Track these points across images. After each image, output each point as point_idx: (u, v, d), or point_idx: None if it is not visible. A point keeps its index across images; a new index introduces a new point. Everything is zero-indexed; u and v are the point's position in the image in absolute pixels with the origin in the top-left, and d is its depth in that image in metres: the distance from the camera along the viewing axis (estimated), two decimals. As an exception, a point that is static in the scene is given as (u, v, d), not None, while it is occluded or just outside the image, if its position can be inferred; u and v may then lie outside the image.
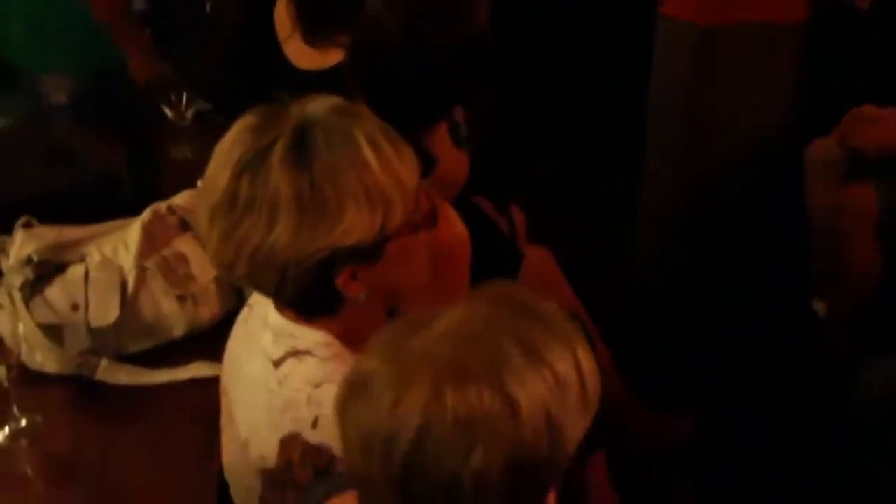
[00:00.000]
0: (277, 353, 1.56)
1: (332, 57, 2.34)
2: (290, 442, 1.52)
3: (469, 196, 2.25)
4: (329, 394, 1.33)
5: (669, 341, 3.15)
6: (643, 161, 3.32)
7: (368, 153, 1.42)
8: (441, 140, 2.02)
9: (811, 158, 3.03)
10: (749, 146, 3.15)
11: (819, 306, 3.10)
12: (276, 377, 1.55)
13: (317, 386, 1.51)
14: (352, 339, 1.54)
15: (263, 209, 1.41)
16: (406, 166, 1.46)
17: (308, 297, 1.50)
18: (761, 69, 3.10)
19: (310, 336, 1.55)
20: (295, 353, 1.54)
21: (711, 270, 3.23)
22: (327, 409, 1.33)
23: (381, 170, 1.42)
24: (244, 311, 1.73)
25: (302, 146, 1.41)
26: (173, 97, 2.76)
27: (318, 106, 1.47)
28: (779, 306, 3.18)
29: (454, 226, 1.82)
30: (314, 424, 1.50)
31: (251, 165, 1.42)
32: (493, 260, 2.06)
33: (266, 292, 1.55)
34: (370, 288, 1.50)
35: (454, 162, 2.09)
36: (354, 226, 1.41)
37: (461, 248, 1.84)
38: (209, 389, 1.85)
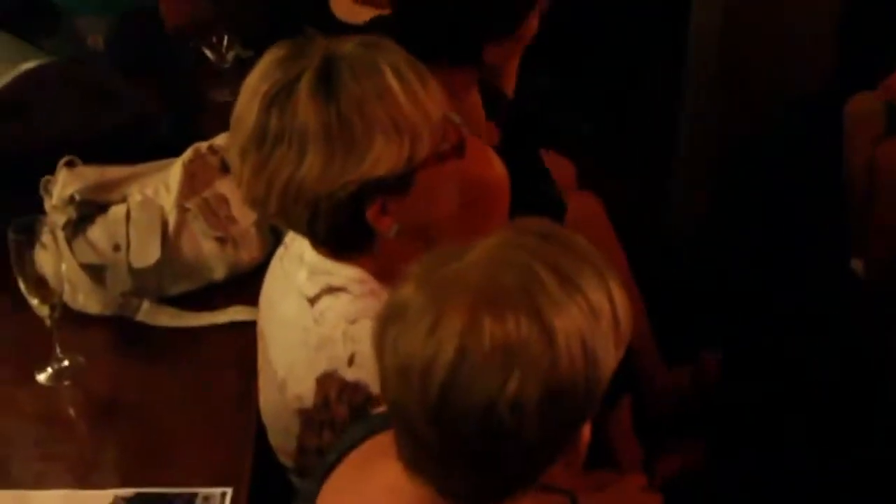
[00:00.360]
0: (313, 290, 1.56)
1: (368, 13, 2.32)
2: (326, 380, 1.52)
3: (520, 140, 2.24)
4: (365, 330, 1.35)
5: (701, 291, 3.13)
6: (680, 111, 3.30)
7: (394, 84, 1.43)
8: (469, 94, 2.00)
9: (850, 113, 2.99)
10: (785, 98, 3.12)
11: (857, 265, 3.07)
12: (312, 315, 1.55)
13: (352, 322, 1.51)
14: (387, 275, 1.53)
15: (293, 142, 1.42)
16: (431, 97, 1.46)
17: (340, 233, 1.50)
18: (797, 21, 3.06)
19: (345, 272, 1.55)
20: (330, 290, 1.55)
21: (745, 224, 3.21)
22: (363, 346, 1.33)
23: (406, 100, 1.43)
24: (279, 251, 1.73)
25: (328, 78, 1.42)
26: (214, 39, 2.74)
27: (344, 40, 1.47)
28: (816, 264, 3.15)
29: (493, 167, 1.80)
30: (350, 361, 1.50)
31: (279, 99, 1.42)
32: (534, 205, 2.05)
33: (299, 229, 1.55)
34: (401, 221, 1.50)
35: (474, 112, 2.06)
36: (383, 156, 1.42)
37: (499, 190, 1.82)
38: (248, 333, 1.86)
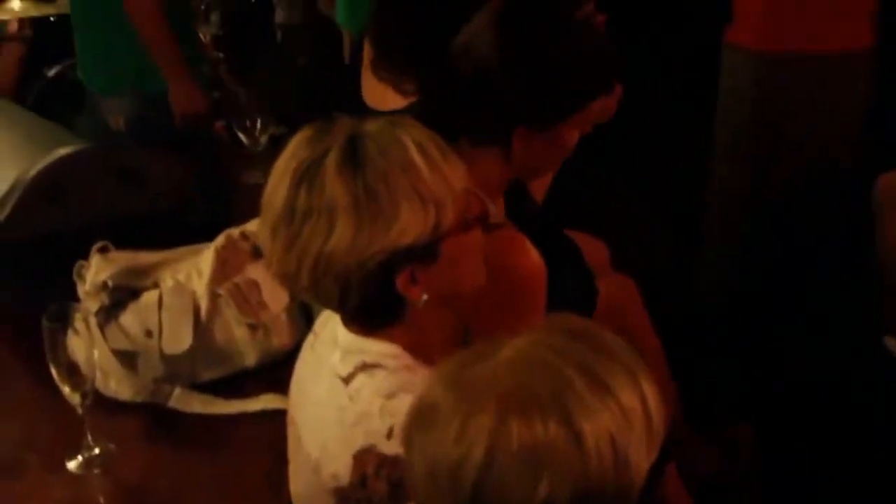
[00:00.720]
0: (346, 369, 1.55)
1: (398, 101, 2.34)
2: (363, 455, 1.50)
3: (553, 223, 2.24)
4: (403, 404, 1.34)
5: (732, 364, 3.11)
6: (709, 190, 3.29)
7: (417, 157, 1.46)
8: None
9: (882, 189, 2.97)
10: (815, 177, 3.11)
11: (891, 343, 3.04)
12: (347, 393, 1.54)
13: (389, 397, 1.50)
14: (420, 350, 1.54)
15: (322, 216, 1.44)
16: (453, 169, 1.49)
17: (371, 304, 1.50)
18: (826, 98, 3.06)
19: (378, 348, 1.54)
20: (364, 367, 1.54)
21: (775, 299, 3.19)
22: (402, 419, 1.33)
23: (429, 172, 1.46)
24: (310, 338, 1.73)
25: (354, 154, 1.45)
26: (247, 123, 2.77)
27: (368, 120, 1.52)
28: (849, 341, 3.13)
29: (528, 254, 1.81)
30: (389, 435, 1.48)
31: (306, 175, 1.45)
32: (566, 292, 2.04)
33: (330, 304, 1.55)
34: (430, 290, 1.50)
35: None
36: (410, 225, 1.44)
37: (535, 279, 1.82)
38: (280, 419, 1.84)
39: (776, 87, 3.07)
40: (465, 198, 1.51)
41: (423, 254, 1.47)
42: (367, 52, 2.47)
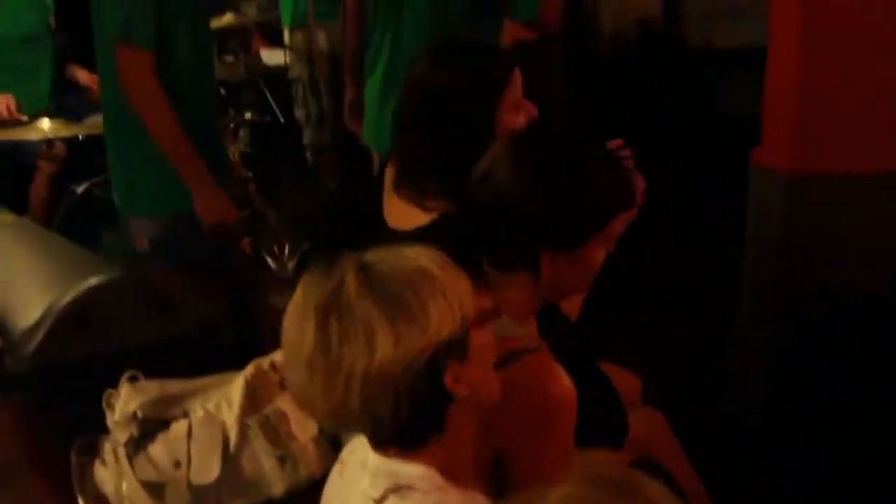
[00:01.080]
0: (377, 492, 1.56)
1: (419, 217, 2.37)
2: None
3: (586, 352, 2.25)
4: None
5: (765, 484, 3.07)
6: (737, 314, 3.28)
7: (426, 262, 1.54)
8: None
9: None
10: (849, 301, 3.09)
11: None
12: None
13: None
14: (452, 471, 1.56)
15: (359, 336, 1.48)
16: (456, 268, 1.57)
17: (422, 411, 1.52)
18: (861, 218, 3.06)
19: (410, 470, 1.55)
20: (396, 489, 1.55)
21: (807, 435, 3.15)
22: None
23: (441, 270, 1.54)
24: (337, 467, 1.74)
25: (369, 275, 1.52)
26: (276, 248, 2.79)
27: (369, 249, 1.58)
28: (884, 476, 3.08)
29: (561, 382, 1.81)
30: None
31: (331, 305, 1.50)
32: (599, 422, 2.05)
33: (379, 423, 1.54)
34: (468, 386, 1.54)
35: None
36: (443, 320, 1.50)
37: (567, 406, 1.82)
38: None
39: (809, 208, 3.06)
40: (475, 292, 1.57)
41: (459, 348, 1.52)
42: (390, 172, 2.51)
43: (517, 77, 2.43)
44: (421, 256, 1.55)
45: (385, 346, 1.47)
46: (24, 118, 4.42)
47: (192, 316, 2.48)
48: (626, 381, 2.46)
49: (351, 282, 1.50)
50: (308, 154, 4.29)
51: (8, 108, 4.40)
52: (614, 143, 2.19)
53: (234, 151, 4.16)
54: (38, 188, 4.46)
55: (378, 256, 1.55)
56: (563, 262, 1.89)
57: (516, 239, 1.89)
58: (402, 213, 2.43)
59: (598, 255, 1.93)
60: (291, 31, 4.48)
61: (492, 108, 2.38)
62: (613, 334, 3.27)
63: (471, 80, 2.39)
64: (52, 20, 4.67)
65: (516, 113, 2.42)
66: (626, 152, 2.15)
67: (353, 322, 1.48)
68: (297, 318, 1.53)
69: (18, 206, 4.25)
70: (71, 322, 2.31)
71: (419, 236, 2.35)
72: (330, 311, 1.49)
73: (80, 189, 4.33)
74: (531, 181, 1.87)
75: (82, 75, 4.70)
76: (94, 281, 2.36)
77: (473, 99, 2.38)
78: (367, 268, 1.53)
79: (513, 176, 1.88)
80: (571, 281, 1.97)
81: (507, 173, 1.89)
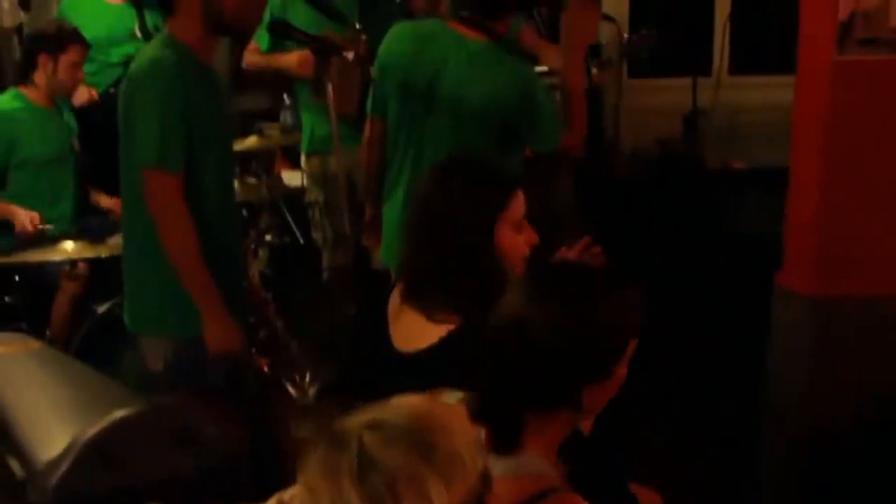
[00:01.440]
0: None
1: (429, 332, 2.39)
2: None
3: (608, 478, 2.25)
4: None
5: None
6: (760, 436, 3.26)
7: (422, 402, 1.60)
8: None
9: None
10: (882, 424, 3.06)
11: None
12: None
13: None
14: None
15: (409, 489, 1.48)
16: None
17: None
18: (887, 344, 3.05)
19: None
20: None
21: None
22: None
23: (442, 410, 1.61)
24: None
25: (385, 432, 1.52)
26: (297, 377, 2.81)
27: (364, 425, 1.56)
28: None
29: None
30: None
31: (364, 467, 1.50)
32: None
33: None
34: None
35: None
36: (473, 453, 1.54)
37: None
38: None
39: (835, 332, 3.05)
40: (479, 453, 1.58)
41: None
42: (396, 293, 2.53)
43: (519, 197, 2.47)
44: (413, 401, 1.58)
45: (438, 492, 1.49)
46: (50, 226, 4.47)
47: (214, 449, 2.47)
48: (646, 499, 2.45)
49: (368, 437, 1.51)
50: (326, 275, 4.32)
51: (32, 222, 4.46)
52: (584, 241, 2.22)
53: (253, 272, 4.18)
54: (60, 306, 4.48)
55: (379, 414, 1.56)
56: (597, 391, 1.91)
57: (561, 380, 1.90)
58: (411, 328, 2.45)
59: (623, 371, 1.96)
60: (308, 156, 4.54)
61: (490, 226, 2.41)
62: (630, 453, 3.24)
63: (470, 196, 2.43)
64: (75, 142, 4.74)
65: (517, 232, 2.46)
66: (597, 249, 2.18)
67: (391, 478, 1.49)
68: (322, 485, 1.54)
69: (39, 323, 4.29)
70: (95, 456, 2.31)
71: (428, 358, 2.38)
72: (363, 476, 1.49)
73: (101, 309, 4.35)
74: (563, 321, 1.89)
75: (104, 200, 4.77)
76: (118, 415, 2.37)
77: (471, 215, 2.41)
78: (377, 426, 1.53)
79: (543, 318, 1.89)
80: (603, 402, 1.98)
81: (535, 316, 1.90)
